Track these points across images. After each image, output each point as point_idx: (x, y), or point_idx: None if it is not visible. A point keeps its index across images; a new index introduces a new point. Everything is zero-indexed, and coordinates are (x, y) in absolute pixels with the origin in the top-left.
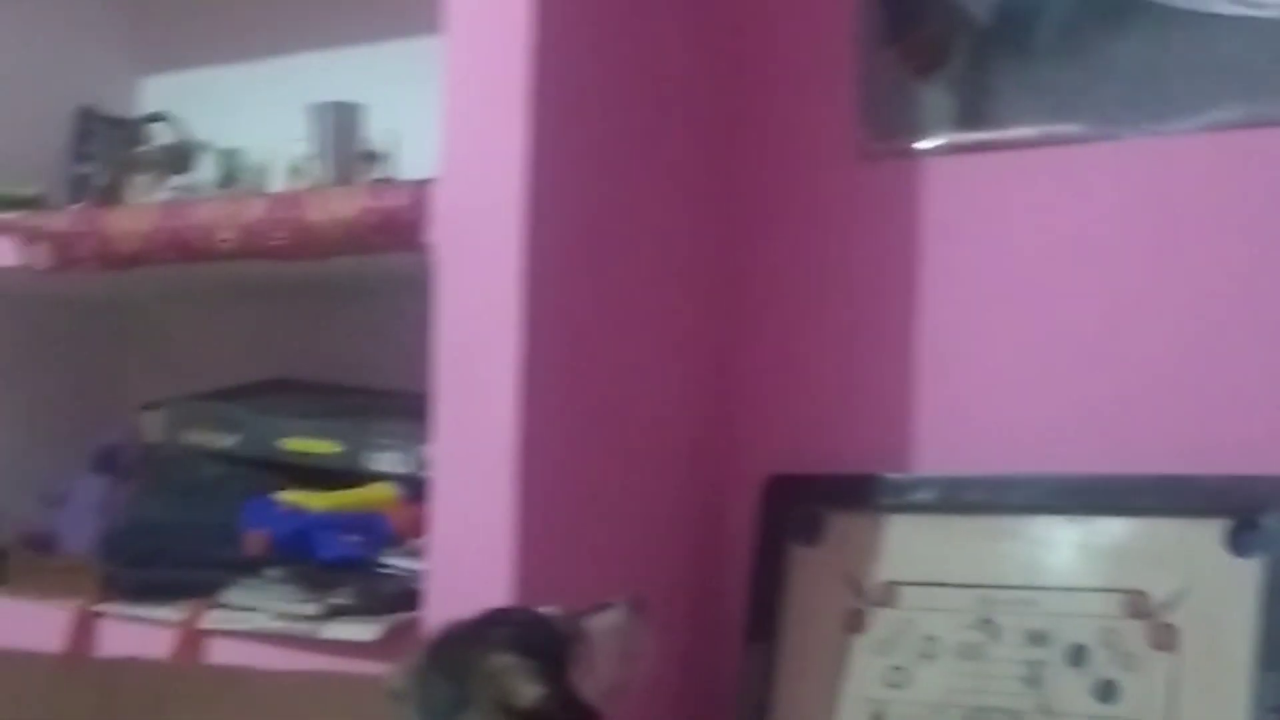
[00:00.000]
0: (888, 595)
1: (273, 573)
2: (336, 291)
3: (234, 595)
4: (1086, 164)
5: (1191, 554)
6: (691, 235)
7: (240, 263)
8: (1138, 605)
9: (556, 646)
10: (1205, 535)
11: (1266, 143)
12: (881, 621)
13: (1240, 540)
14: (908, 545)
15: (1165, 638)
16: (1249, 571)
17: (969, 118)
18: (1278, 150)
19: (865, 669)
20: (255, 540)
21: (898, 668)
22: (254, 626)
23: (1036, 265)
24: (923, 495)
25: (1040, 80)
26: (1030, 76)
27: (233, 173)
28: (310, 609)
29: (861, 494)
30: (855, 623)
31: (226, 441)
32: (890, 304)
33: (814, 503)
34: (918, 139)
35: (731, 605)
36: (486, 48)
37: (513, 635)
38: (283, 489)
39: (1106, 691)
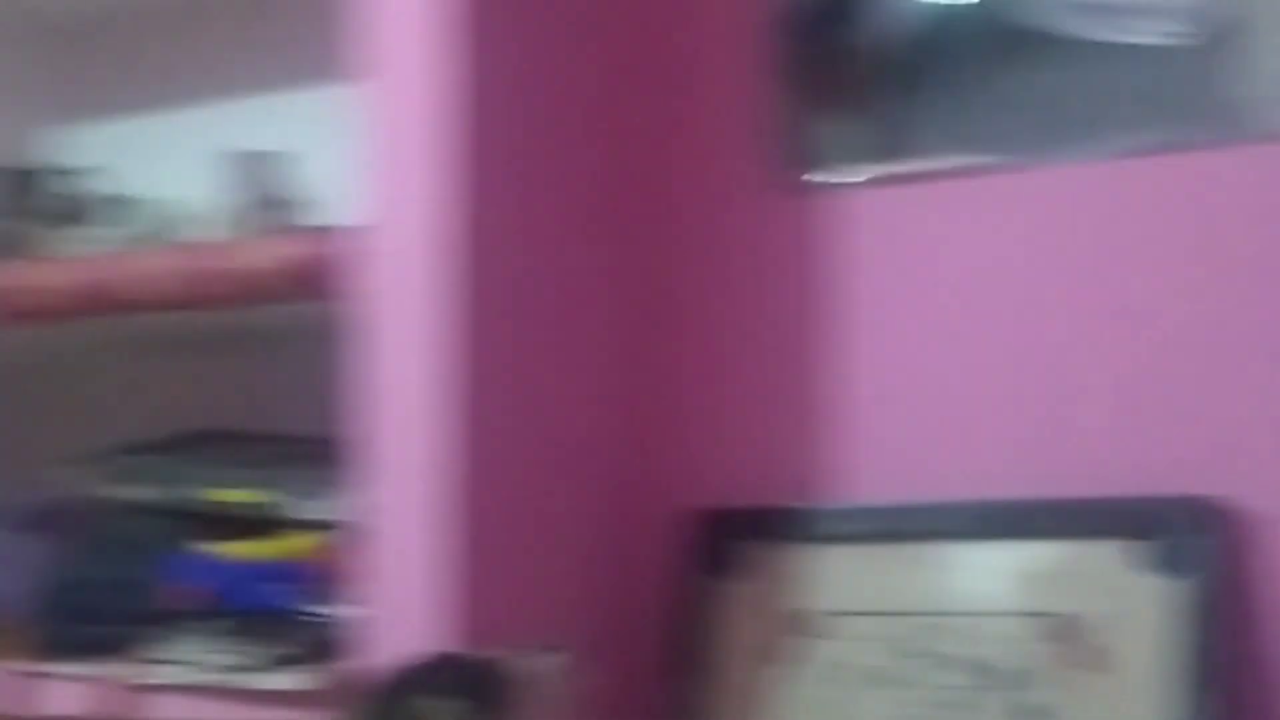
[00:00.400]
0: (808, 626)
1: (205, 626)
2: (257, 341)
3: (168, 649)
4: (995, 194)
5: (1111, 576)
6: (610, 270)
7: (158, 314)
8: (1059, 628)
9: (494, 690)
10: (1124, 557)
11: (1170, 169)
12: (802, 653)
13: (1159, 562)
14: (828, 576)
15: (1087, 660)
16: (1171, 593)
17: (878, 150)
18: (1181, 176)
19: (787, 701)
20: (182, 593)
21: (820, 699)
22: (193, 679)
23: (949, 296)
24: (843, 526)
25: (947, 113)
26: (937, 109)
27: (150, 223)
28: (248, 660)
29: (781, 526)
30: (776, 655)
31: (149, 494)
32: (808, 336)
33: (733, 535)
34: (829, 171)
35: (653, 640)
36: (409, 95)
37: (450, 680)
38: (208, 540)
39: (1030, 715)
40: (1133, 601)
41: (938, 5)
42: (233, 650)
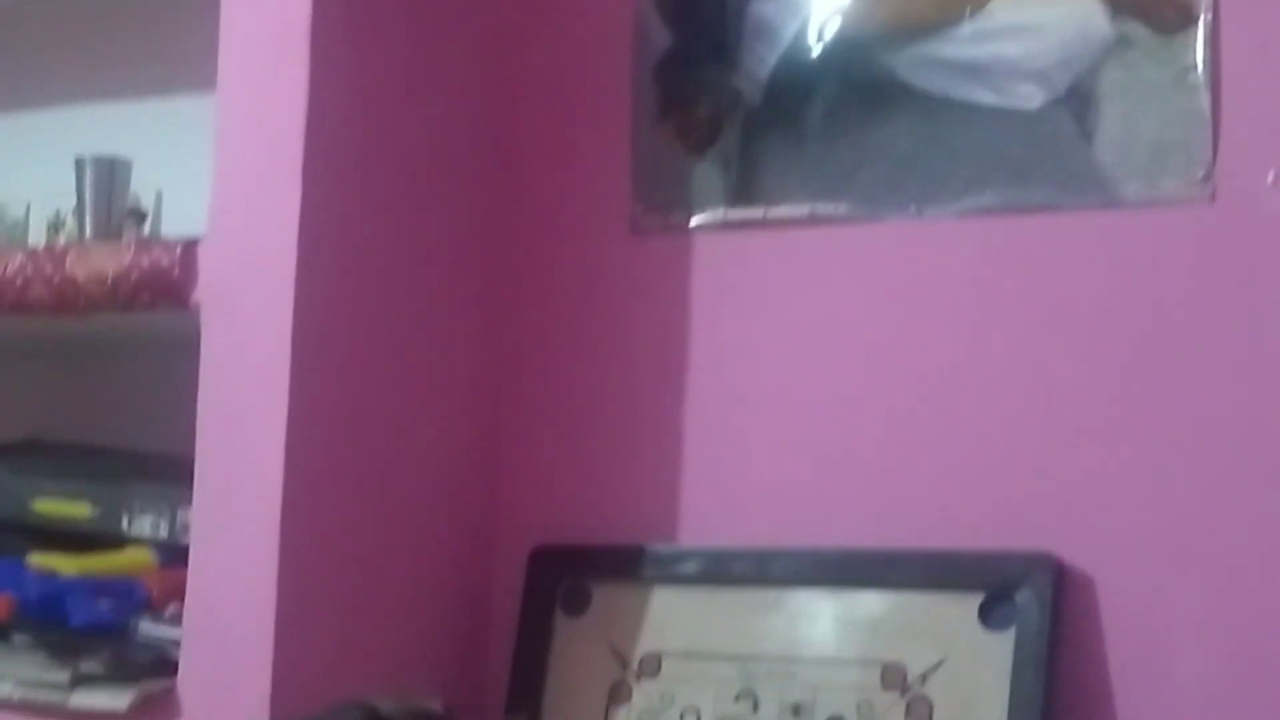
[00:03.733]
0: (651, 666)
1: (20, 639)
2: (100, 351)
3: None
4: (851, 244)
5: (947, 627)
6: (462, 303)
7: None
8: (894, 677)
9: None
10: (960, 609)
11: (1022, 229)
12: (644, 693)
13: (993, 614)
14: (671, 616)
15: (921, 710)
16: (1001, 645)
17: (739, 195)
18: (1032, 236)
19: None
20: (0, 604)
21: None
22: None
23: (801, 341)
24: (687, 567)
25: (808, 161)
26: (799, 157)
27: None
28: (59, 676)
29: (626, 565)
30: (619, 694)
31: None
32: (659, 377)
33: (578, 573)
34: (690, 214)
35: (498, 677)
36: (258, 106)
37: None
38: (34, 552)
39: None
40: (961, 653)
41: (803, 54)
42: (50, 666)
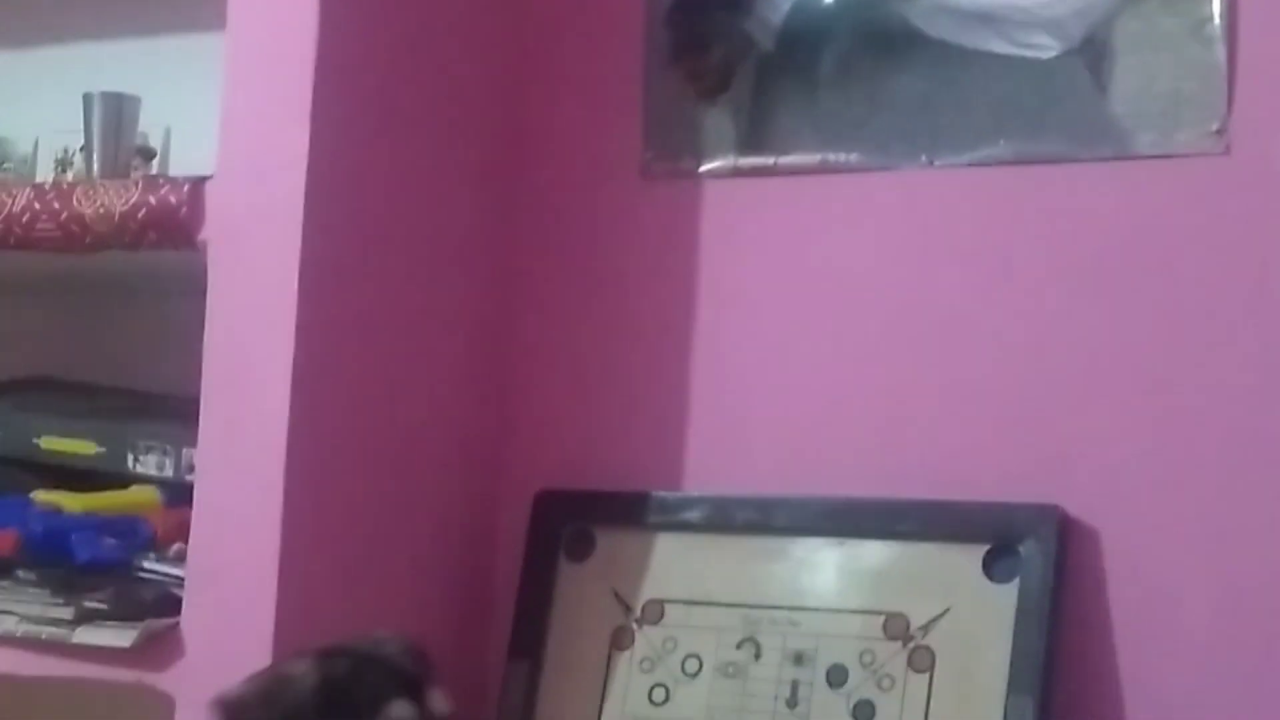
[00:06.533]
0: (654, 613)
1: (24, 575)
2: (106, 289)
3: None
4: (861, 192)
5: (951, 578)
6: (470, 244)
7: (4, 255)
8: (897, 627)
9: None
10: (964, 560)
11: (1034, 179)
12: (647, 639)
13: (997, 566)
14: (675, 563)
15: (923, 660)
16: (1005, 596)
17: (750, 142)
18: (1045, 187)
19: (629, 686)
20: (5, 540)
21: (661, 685)
22: (2, 630)
23: (810, 290)
24: (691, 514)
25: (820, 109)
26: (810, 105)
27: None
28: (62, 613)
29: (631, 511)
30: (621, 640)
31: None
32: (666, 323)
33: (583, 519)
34: (700, 161)
35: (501, 620)
36: (268, 45)
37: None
38: (39, 489)
39: (865, 712)
40: (964, 604)
41: (816, 1)
42: (54, 602)
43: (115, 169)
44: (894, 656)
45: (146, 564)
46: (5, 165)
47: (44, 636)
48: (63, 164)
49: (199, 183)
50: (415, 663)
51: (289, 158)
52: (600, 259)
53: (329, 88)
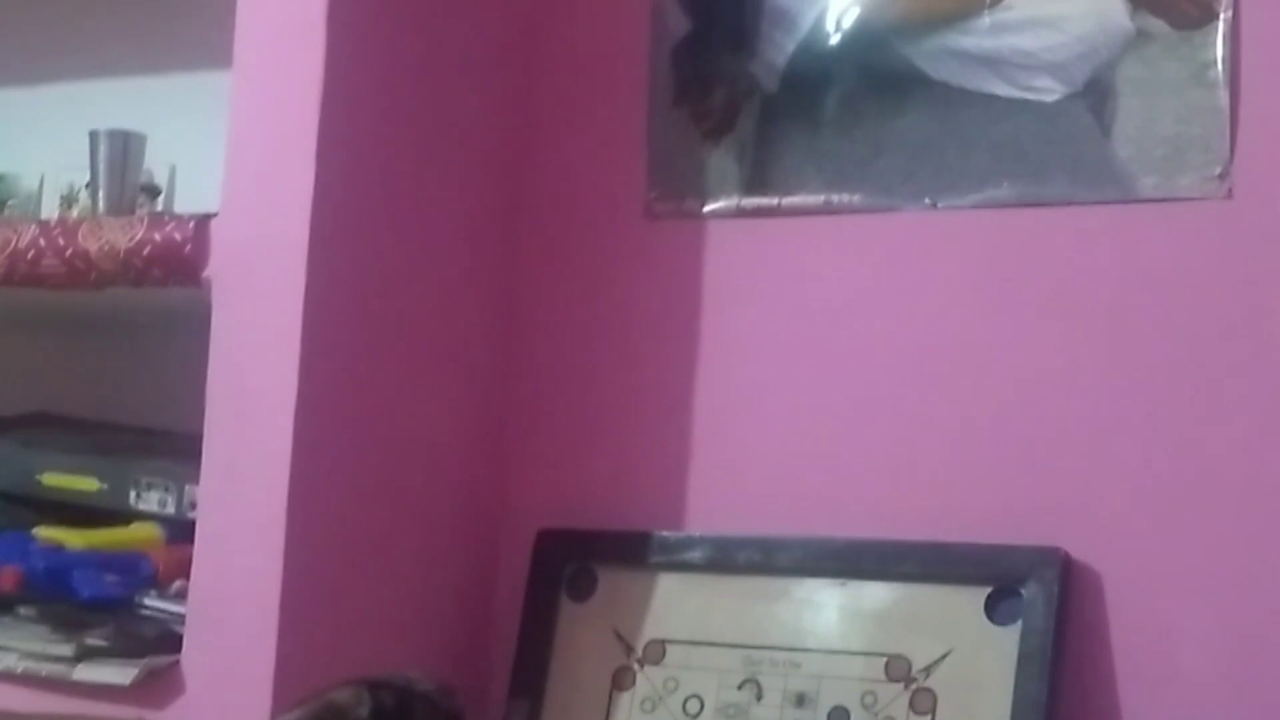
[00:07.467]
0: (655, 653)
1: (25, 611)
2: (111, 326)
3: None
4: (864, 234)
5: (953, 620)
6: (474, 285)
7: (9, 291)
8: (899, 669)
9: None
10: (967, 602)
11: (1037, 222)
12: (648, 679)
13: (1000, 608)
14: (677, 603)
15: (925, 702)
16: (1007, 639)
17: (754, 183)
18: (1048, 230)
19: None
20: (6, 576)
21: None
22: (3, 667)
23: (812, 331)
24: (693, 554)
25: (823, 150)
26: (814, 146)
27: (3, 198)
28: (63, 650)
29: (632, 551)
30: (623, 680)
31: None
32: (668, 363)
33: (585, 558)
34: (704, 201)
35: (502, 659)
36: (274, 83)
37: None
38: (41, 525)
39: None
40: (966, 646)
41: (820, 43)
42: (55, 639)
43: (121, 206)
44: (896, 699)
45: (148, 601)
46: (11, 202)
47: (44, 673)
48: (68, 200)
49: (204, 220)
50: (451, 700)
51: (294, 196)
52: (604, 298)
53: (334, 126)
